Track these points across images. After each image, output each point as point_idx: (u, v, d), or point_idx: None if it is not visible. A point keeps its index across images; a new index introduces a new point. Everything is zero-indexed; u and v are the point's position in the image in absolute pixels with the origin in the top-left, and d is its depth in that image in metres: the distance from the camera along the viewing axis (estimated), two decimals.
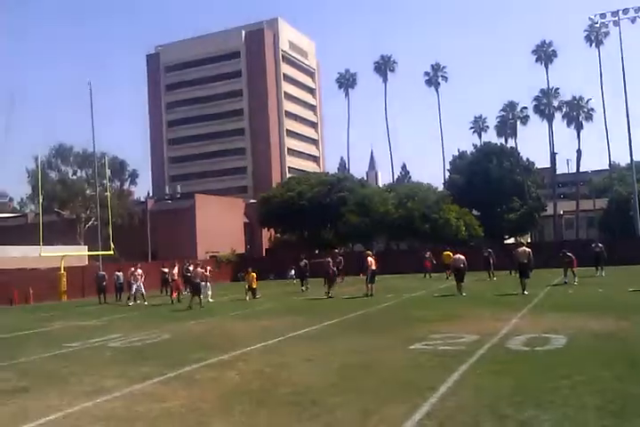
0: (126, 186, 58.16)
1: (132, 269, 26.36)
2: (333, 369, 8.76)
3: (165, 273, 29.37)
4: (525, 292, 19.38)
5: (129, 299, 25.88)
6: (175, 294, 25.51)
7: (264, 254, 56.74)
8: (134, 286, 25.62)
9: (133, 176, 58.31)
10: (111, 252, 35.73)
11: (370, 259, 23.18)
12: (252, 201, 64.32)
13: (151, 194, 77.28)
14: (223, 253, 46.31)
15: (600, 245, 26.64)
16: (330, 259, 26.79)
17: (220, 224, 53.69)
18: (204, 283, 22.97)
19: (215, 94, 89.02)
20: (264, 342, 11.76)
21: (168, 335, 13.84)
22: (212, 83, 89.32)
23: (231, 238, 52.87)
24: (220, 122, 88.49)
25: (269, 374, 8.63)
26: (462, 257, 22.28)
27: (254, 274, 24.59)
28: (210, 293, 24.12)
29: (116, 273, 28.36)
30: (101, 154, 49.37)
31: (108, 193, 42.65)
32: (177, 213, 53.13)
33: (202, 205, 54.58)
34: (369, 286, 22.69)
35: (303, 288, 27.50)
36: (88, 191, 52.97)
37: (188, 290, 29.56)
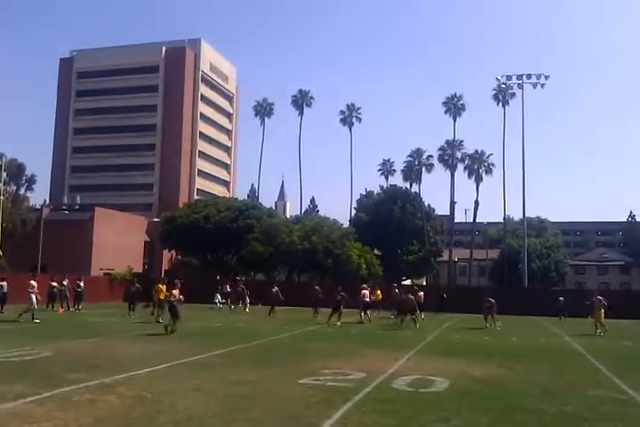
0: (22, 191, 55.46)
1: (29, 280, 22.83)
2: (219, 399, 8.61)
3: (54, 287, 27.95)
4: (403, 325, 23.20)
5: (22, 314, 21.72)
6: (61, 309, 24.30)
7: (162, 275, 55.24)
8: (33, 299, 21.88)
9: (31, 182, 55.86)
10: None
11: (364, 291, 25.70)
12: (155, 219, 62.78)
13: (48, 202, 73.76)
14: (119, 270, 44.59)
15: (416, 288, 28.36)
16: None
17: (119, 240, 51.98)
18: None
19: (128, 106, 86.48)
20: (150, 367, 11.39)
21: (49, 353, 13.12)
22: (125, 94, 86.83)
23: (129, 256, 51.25)
24: (131, 135, 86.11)
25: (151, 401, 8.35)
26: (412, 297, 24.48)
27: (162, 287, 22.92)
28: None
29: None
30: None
31: (1, 196, 40.46)
32: (73, 224, 51.01)
33: (101, 218, 52.73)
34: (362, 315, 25.34)
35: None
36: None
37: (77, 305, 28.62)
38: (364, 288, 26.21)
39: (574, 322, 30.05)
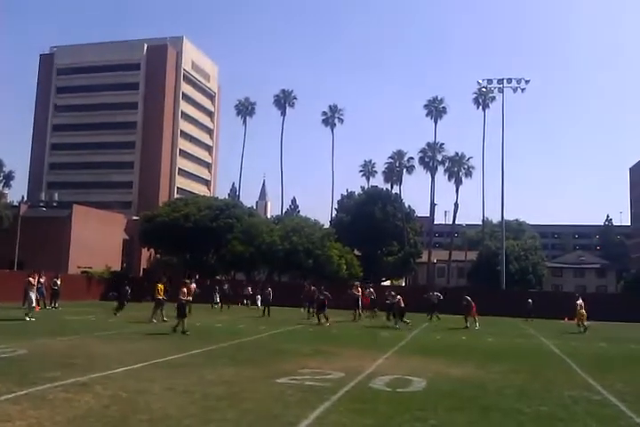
0: None
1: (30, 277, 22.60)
2: (196, 399, 8.54)
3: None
4: (397, 326, 23.53)
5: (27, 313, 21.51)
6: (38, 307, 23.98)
7: (141, 274, 54.81)
8: (32, 296, 21.66)
9: (9, 178, 55.13)
10: None
11: (358, 289, 27.67)
12: (134, 218, 62.24)
13: (25, 199, 72.73)
14: (97, 269, 44.12)
15: (371, 290, 29.76)
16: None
17: (98, 238, 51.40)
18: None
19: (108, 103, 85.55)
20: (126, 366, 11.29)
21: (24, 351, 12.96)
22: (106, 91, 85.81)
23: (107, 255, 50.70)
24: (111, 132, 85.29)
25: (127, 400, 8.27)
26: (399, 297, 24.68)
27: (161, 286, 22.70)
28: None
29: None
30: None
31: None
32: (51, 222, 50.32)
33: (80, 216, 52.10)
34: (359, 312, 27.24)
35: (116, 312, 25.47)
36: None
37: (53, 303, 28.33)
38: (357, 286, 27.89)
39: (547, 324, 30.48)
